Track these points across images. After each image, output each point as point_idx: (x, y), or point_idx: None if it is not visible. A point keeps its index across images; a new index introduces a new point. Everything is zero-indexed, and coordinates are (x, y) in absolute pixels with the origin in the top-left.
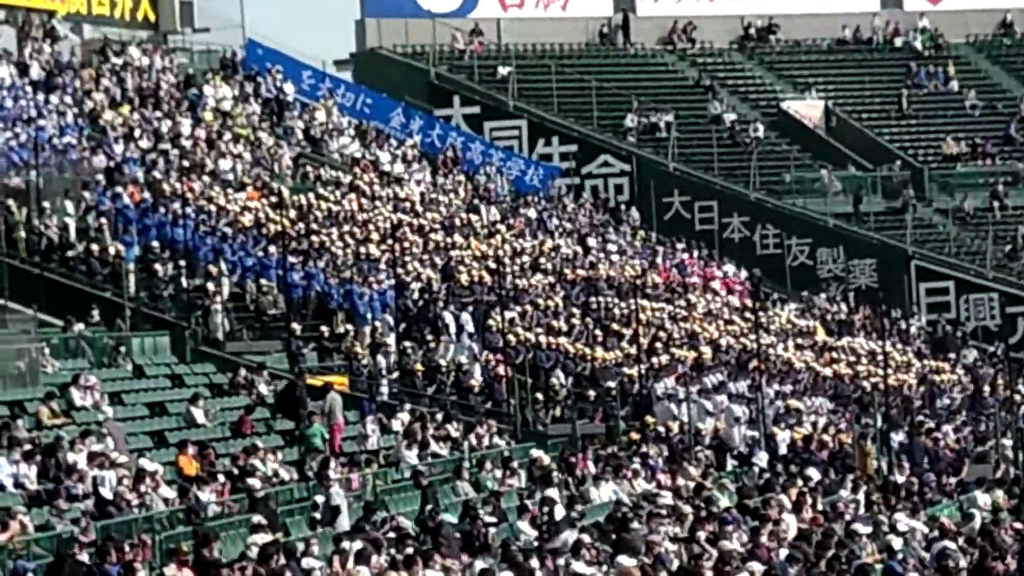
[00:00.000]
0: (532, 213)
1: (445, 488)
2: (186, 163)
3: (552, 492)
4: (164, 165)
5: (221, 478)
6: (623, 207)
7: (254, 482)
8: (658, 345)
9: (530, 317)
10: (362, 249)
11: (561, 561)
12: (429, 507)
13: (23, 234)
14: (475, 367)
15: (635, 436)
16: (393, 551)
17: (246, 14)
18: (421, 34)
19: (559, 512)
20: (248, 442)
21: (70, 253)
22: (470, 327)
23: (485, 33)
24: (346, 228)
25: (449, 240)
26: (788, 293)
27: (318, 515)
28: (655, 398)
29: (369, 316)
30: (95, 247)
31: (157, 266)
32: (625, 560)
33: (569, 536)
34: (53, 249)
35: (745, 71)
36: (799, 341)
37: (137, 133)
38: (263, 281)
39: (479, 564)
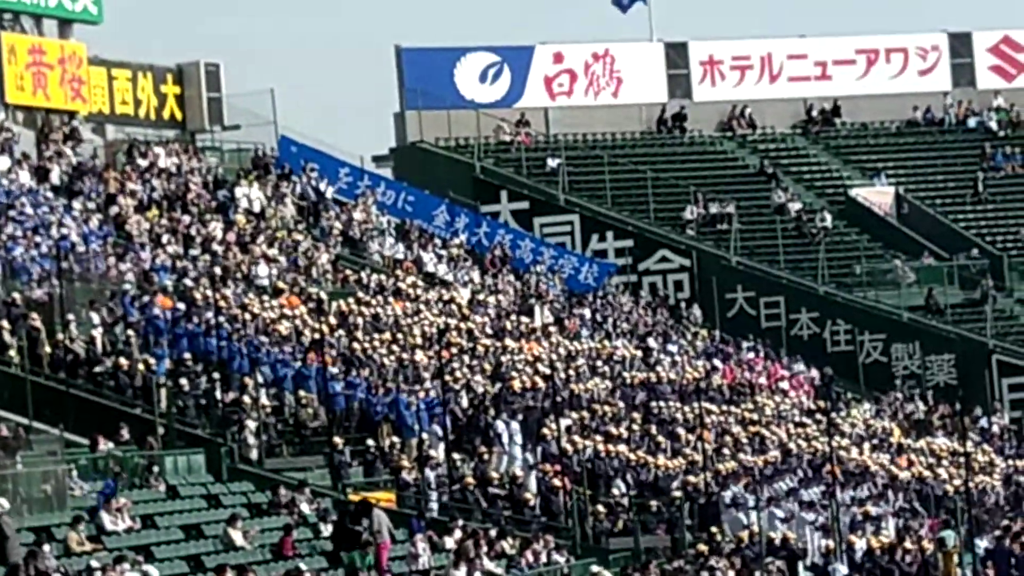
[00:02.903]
0: (587, 313)
1: None
2: (218, 269)
3: None
4: (195, 272)
5: None
6: (684, 305)
7: None
8: (724, 451)
9: (587, 424)
10: (407, 356)
11: None
12: None
13: (47, 349)
14: (530, 478)
15: (702, 548)
16: None
17: (278, 109)
18: (465, 126)
19: None
20: (291, 564)
21: (97, 368)
22: (522, 436)
23: (532, 123)
24: (389, 334)
25: (499, 344)
26: (861, 392)
27: None
28: (723, 507)
29: (416, 427)
30: (123, 361)
31: (188, 380)
32: None
33: None
34: (79, 364)
35: (810, 157)
36: (874, 443)
37: (165, 239)
38: (302, 392)
39: None
